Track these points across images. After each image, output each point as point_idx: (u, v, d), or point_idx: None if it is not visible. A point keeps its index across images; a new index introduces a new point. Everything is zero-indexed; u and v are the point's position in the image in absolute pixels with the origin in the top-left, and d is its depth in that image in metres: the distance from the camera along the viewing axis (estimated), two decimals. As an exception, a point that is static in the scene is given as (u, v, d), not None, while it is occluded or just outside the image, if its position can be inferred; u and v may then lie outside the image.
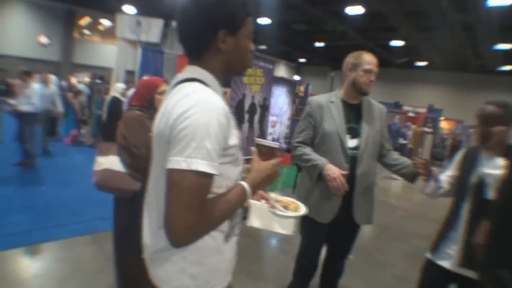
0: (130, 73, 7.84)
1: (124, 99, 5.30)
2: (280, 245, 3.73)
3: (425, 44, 12.54)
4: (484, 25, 9.35)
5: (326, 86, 21.00)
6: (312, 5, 10.34)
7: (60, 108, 6.58)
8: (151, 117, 1.92)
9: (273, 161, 1.01)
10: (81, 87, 9.09)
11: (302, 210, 1.23)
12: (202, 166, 0.79)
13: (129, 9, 11.85)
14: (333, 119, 1.96)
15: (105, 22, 16.92)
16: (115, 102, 5.24)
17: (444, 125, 15.55)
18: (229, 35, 0.91)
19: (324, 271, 2.28)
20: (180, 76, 0.94)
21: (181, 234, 0.80)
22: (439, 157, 12.22)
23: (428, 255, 1.89)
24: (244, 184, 0.93)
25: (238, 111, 6.45)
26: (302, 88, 9.80)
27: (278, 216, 1.15)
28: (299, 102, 9.45)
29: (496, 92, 17.01)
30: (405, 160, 2.04)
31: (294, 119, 8.48)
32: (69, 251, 2.99)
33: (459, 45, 12.19)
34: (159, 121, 0.89)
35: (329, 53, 18.42)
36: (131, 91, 5.12)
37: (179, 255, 0.90)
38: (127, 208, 1.84)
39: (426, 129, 12.71)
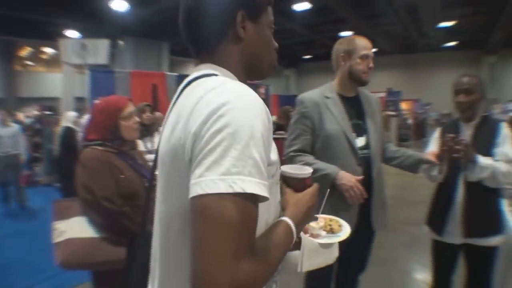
0: (80, 100, 7.33)
1: (78, 128, 4.79)
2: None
3: (373, 31, 12.89)
4: (426, 6, 9.69)
5: (281, 86, 21.01)
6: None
7: (23, 149, 5.72)
8: (120, 152, 1.51)
9: (310, 190, 0.76)
10: (28, 121, 8.38)
11: (346, 227, 0.98)
12: (251, 186, 0.53)
13: (72, 34, 11.15)
14: (335, 118, 1.69)
15: (48, 50, 16.03)
16: (68, 132, 4.73)
17: (403, 106, 16.08)
18: (249, 21, 0.72)
19: None
20: (191, 76, 0.71)
21: None
22: (404, 138, 12.58)
23: (435, 237, 2.00)
24: (287, 219, 0.67)
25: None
26: (262, 90, 9.61)
27: (327, 245, 0.87)
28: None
29: (444, 68, 18.00)
30: (405, 151, 1.91)
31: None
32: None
33: (405, 28, 12.66)
34: (168, 136, 0.63)
35: (281, 52, 18.49)
36: (85, 118, 4.63)
37: None
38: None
39: (390, 113, 13.02)
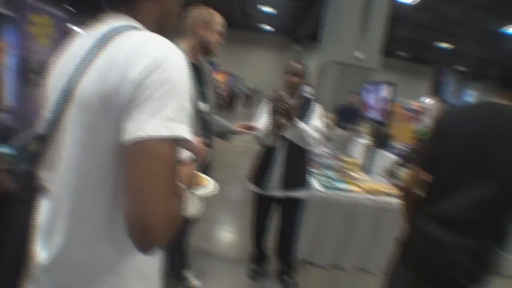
0: None
1: None
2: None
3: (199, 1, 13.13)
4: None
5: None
6: None
7: None
8: None
9: (189, 167, 0.86)
10: None
11: (211, 182, 1.13)
12: (185, 132, 0.61)
13: None
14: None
15: None
16: None
17: (218, 77, 17.27)
18: None
19: None
20: (109, 23, 0.70)
21: (163, 229, 0.59)
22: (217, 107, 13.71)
23: (257, 191, 2.40)
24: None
25: (22, 71, 4.77)
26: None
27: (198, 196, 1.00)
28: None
29: (258, 48, 20.31)
30: (218, 120, 2.10)
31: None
32: None
33: (230, 4, 13.47)
34: (97, 81, 0.62)
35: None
36: None
37: (115, 271, 0.70)
38: None
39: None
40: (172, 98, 0.60)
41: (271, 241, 2.60)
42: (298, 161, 2.33)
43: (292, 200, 2.35)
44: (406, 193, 1.42)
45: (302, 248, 2.73)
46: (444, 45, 15.23)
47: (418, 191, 1.38)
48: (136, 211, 0.57)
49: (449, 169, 1.26)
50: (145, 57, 0.60)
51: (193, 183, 0.98)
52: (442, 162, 1.28)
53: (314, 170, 3.04)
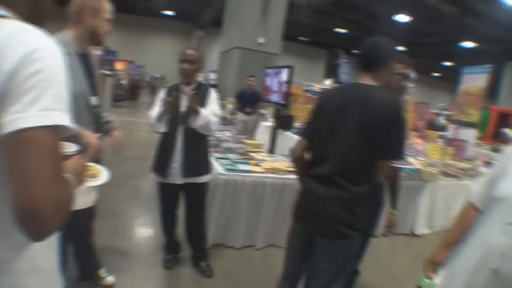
0: None
1: None
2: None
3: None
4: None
5: None
6: None
7: None
8: None
9: (75, 161, 0.85)
10: None
11: (105, 173, 1.13)
12: (64, 119, 0.63)
13: None
14: (76, 77, 1.59)
15: None
16: None
17: (118, 66, 16.09)
18: None
19: None
20: None
21: (53, 213, 0.59)
22: (119, 99, 12.84)
23: (160, 180, 2.37)
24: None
25: None
26: None
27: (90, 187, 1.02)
28: None
29: (160, 34, 19.44)
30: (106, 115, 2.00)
31: None
32: None
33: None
34: None
35: None
36: None
37: (8, 270, 0.68)
38: None
39: (106, 72, 12.74)
40: (49, 88, 0.61)
41: (181, 229, 2.60)
42: (198, 147, 2.34)
43: (195, 186, 2.37)
44: (296, 160, 1.71)
45: (214, 232, 2.80)
46: (341, 30, 16.66)
47: (305, 158, 1.67)
48: (22, 200, 0.58)
49: (322, 137, 1.56)
50: (21, 47, 0.60)
51: (86, 175, 0.98)
52: (317, 132, 1.59)
53: (217, 155, 3.10)
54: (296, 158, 1.70)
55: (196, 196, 2.45)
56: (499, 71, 13.62)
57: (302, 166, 1.68)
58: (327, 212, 1.50)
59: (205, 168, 2.41)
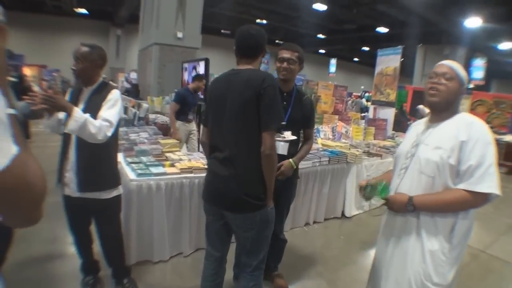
0: None
1: None
2: None
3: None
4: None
5: None
6: None
7: None
8: None
9: None
10: None
11: None
12: None
13: None
14: None
15: None
16: None
17: (27, 72, 14.42)
18: None
19: None
20: None
21: None
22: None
23: (64, 192, 2.05)
24: None
25: None
26: None
27: None
28: None
29: (74, 34, 17.78)
30: None
31: None
32: None
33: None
34: None
35: None
36: None
37: None
38: None
39: (11, 78, 11.31)
40: None
41: (98, 246, 2.30)
42: (99, 156, 2.01)
43: (100, 202, 2.04)
44: (203, 146, 1.92)
45: (136, 249, 2.57)
46: (262, 21, 16.76)
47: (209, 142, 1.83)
48: None
49: (213, 120, 1.75)
50: None
51: None
52: (210, 117, 1.78)
53: (129, 159, 2.84)
54: (203, 144, 1.91)
55: (103, 214, 2.14)
56: (412, 52, 14.93)
57: (207, 149, 1.85)
58: (227, 188, 1.66)
59: (110, 181, 2.09)
